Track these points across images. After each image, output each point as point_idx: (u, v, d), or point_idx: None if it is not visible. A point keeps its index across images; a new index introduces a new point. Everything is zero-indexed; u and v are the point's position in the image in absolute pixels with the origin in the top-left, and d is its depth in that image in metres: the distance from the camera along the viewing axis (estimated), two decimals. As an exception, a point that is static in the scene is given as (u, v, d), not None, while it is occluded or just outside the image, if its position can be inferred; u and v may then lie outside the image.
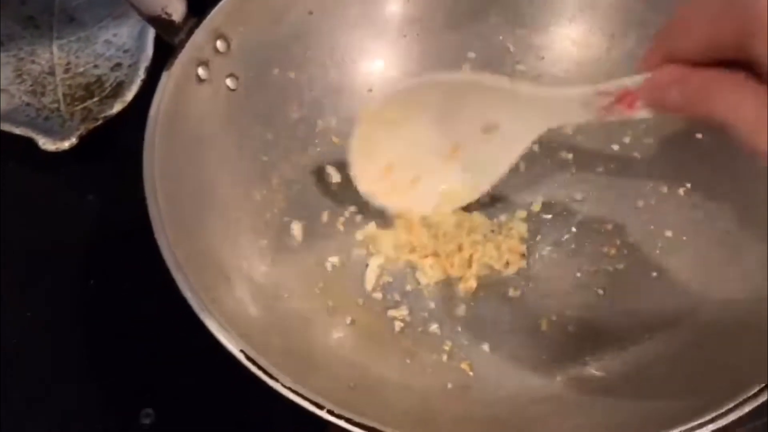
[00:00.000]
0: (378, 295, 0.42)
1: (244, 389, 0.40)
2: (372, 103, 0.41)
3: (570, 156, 0.45)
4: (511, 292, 0.41)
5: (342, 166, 0.45)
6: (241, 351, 0.32)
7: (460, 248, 0.42)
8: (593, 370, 0.38)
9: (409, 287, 0.42)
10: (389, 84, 0.47)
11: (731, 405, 0.30)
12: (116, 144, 0.47)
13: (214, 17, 0.41)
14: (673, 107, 0.30)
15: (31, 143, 0.45)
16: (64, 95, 0.48)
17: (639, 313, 0.39)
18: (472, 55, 0.48)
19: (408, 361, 0.39)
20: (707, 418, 0.30)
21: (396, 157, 0.42)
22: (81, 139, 0.45)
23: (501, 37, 0.48)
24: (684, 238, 0.42)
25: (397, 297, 0.42)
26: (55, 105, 0.47)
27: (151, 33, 0.48)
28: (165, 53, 0.41)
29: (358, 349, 0.39)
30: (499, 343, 0.40)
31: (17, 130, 0.45)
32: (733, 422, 0.35)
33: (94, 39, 0.50)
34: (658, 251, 0.41)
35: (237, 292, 0.37)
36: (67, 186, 0.47)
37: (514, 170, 0.45)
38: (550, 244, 0.43)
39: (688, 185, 0.43)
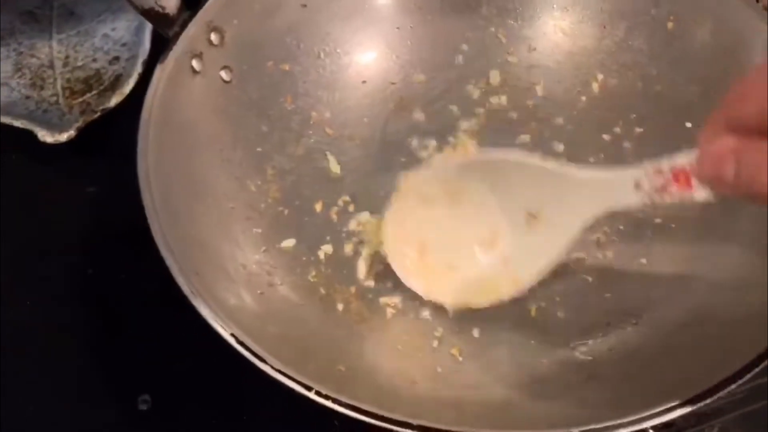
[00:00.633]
0: (370, 283, 0.42)
1: (240, 376, 0.40)
2: (413, 174, 0.40)
3: (561, 147, 0.46)
4: (502, 279, 0.42)
5: (337, 156, 0.46)
6: (232, 335, 0.32)
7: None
8: (580, 354, 0.38)
9: (401, 275, 0.42)
10: (382, 76, 0.48)
11: (713, 384, 0.31)
12: (114, 137, 0.47)
13: (207, 10, 0.42)
14: (729, 188, 0.27)
15: (30, 136, 0.46)
16: (63, 88, 0.49)
17: (626, 299, 0.40)
18: (464, 47, 0.49)
19: (399, 347, 0.40)
20: (690, 396, 0.31)
21: (431, 238, 0.40)
22: (79, 131, 0.46)
23: (493, 29, 0.49)
24: (672, 225, 0.42)
25: (389, 285, 0.42)
26: (54, 98, 0.48)
27: (148, 27, 0.49)
28: (162, 47, 0.42)
29: (350, 336, 0.39)
30: (489, 329, 0.40)
31: (17, 123, 0.46)
32: (727, 404, 0.36)
33: (92, 33, 0.51)
34: (647, 239, 0.42)
35: (231, 279, 0.38)
36: (66, 178, 0.48)
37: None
38: (540, 232, 0.43)
39: (678, 174, 0.43)
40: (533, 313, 0.41)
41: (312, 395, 0.31)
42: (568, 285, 0.41)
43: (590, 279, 0.41)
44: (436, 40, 0.49)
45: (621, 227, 0.43)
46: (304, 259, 0.42)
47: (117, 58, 0.49)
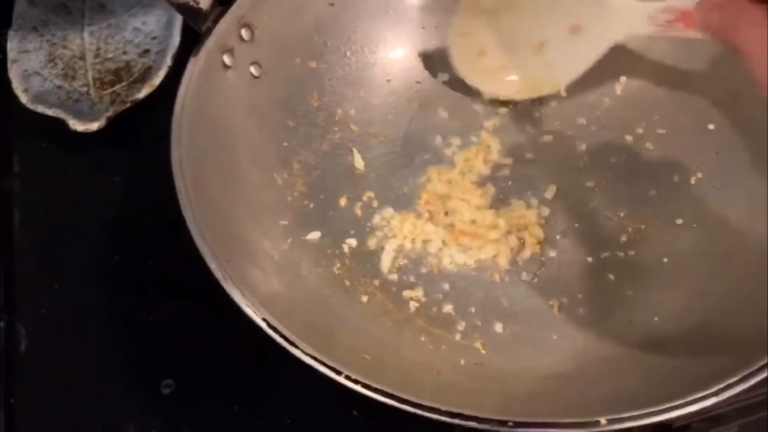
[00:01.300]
0: (394, 277, 0.43)
1: (261, 361, 0.41)
2: None
3: (583, 146, 0.46)
4: (524, 276, 0.42)
5: (362, 153, 0.47)
6: (264, 320, 0.33)
7: (479, 233, 0.43)
8: (602, 349, 0.39)
9: (424, 270, 0.43)
10: (407, 75, 0.49)
11: (734, 379, 0.31)
12: (142, 128, 0.48)
13: (239, 5, 0.43)
14: (712, 31, 0.32)
15: (61, 124, 0.47)
16: (94, 79, 0.49)
17: (649, 296, 0.40)
18: (489, 48, 0.50)
19: (422, 338, 0.40)
20: (710, 391, 0.31)
21: (489, 43, 0.47)
22: (109, 121, 0.47)
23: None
24: (694, 225, 0.42)
25: (412, 279, 0.43)
26: (85, 88, 0.49)
27: (178, 22, 0.50)
28: (191, 42, 0.43)
29: (374, 327, 0.40)
30: (512, 324, 0.41)
31: (49, 112, 0.47)
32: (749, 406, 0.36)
33: (123, 26, 0.51)
34: (669, 238, 0.42)
35: (260, 268, 0.39)
36: (95, 166, 0.48)
37: (529, 159, 0.46)
38: (563, 230, 0.44)
39: (699, 175, 0.44)
40: (555, 309, 0.41)
41: (341, 379, 0.31)
42: (590, 282, 0.42)
43: (612, 277, 0.42)
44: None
45: (643, 227, 0.43)
46: (329, 251, 0.43)
47: (147, 51, 0.50)
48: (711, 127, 0.44)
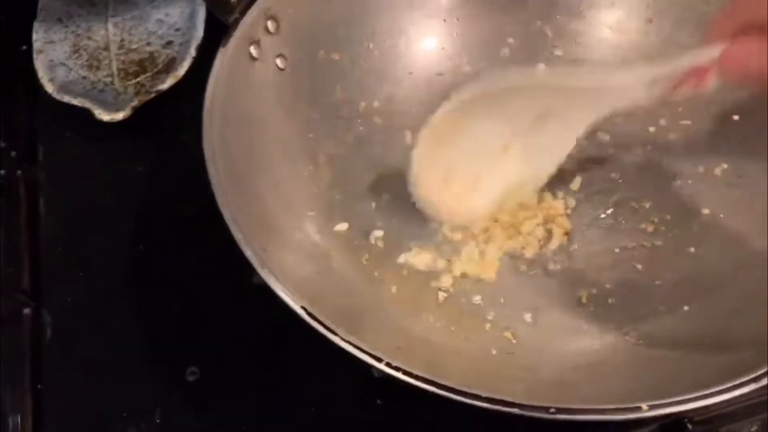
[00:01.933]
0: (422, 268, 0.43)
1: (285, 349, 0.41)
2: (433, 116, 0.42)
3: (607, 137, 0.46)
4: (552, 266, 0.43)
5: (386, 145, 0.47)
6: (302, 307, 0.33)
7: (508, 224, 0.44)
8: (631, 338, 0.39)
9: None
10: (429, 67, 0.49)
11: (762, 371, 0.32)
12: (166, 118, 0.48)
13: (265, -2, 0.43)
14: (752, 78, 0.32)
15: (86, 114, 0.47)
16: (118, 70, 0.49)
17: (676, 286, 0.41)
18: (510, 40, 0.50)
19: (453, 328, 0.40)
20: (739, 381, 0.32)
21: (455, 160, 0.42)
22: (134, 110, 0.47)
23: (539, 23, 0.49)
24: (721, 215, 0.43)
25: (440, 269, 0.43)
26: (109, 78, 0.49)
27: (201, 14, 0.50)
28: (215, 34, 0.43)
29: (404, 315, 0.40)
30: (541, 314, 0.41)
31: (75, 101, 0.47)
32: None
33: (146, 18, 0.52)
34: (695, 228, 0.42)
35: (293, 256, 0.39)
36: (120, 156, 0.48)
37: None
38: (589, 222, 0.44)
39: (725, 165, 0.44)
40: (584, 299, 0.41)
41: (382, 366, 0.31)
42: (618, 273, 0.42)
43: (640, 267, 0.42)
44: (482, 33, 0.50)
45: (668, 217, 0.43)
46: (357, 242, 0.43)
47: (170, 43, 0.50)
48: (735, 117, 0.44)
